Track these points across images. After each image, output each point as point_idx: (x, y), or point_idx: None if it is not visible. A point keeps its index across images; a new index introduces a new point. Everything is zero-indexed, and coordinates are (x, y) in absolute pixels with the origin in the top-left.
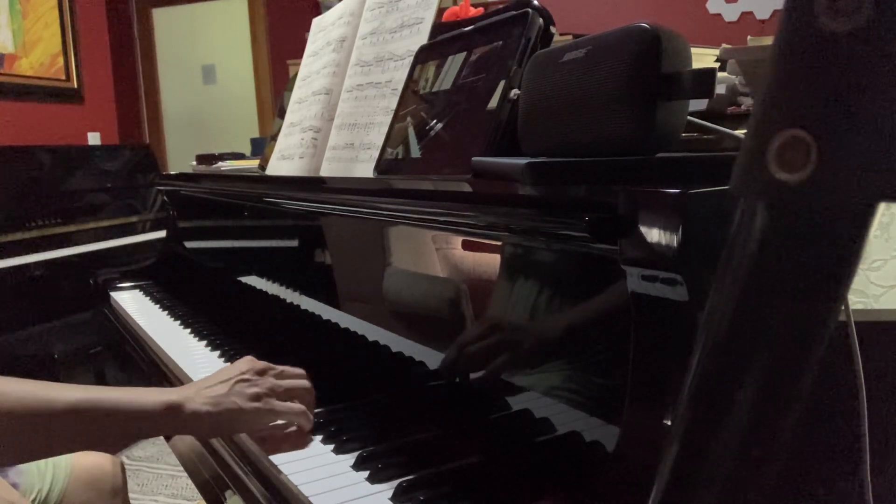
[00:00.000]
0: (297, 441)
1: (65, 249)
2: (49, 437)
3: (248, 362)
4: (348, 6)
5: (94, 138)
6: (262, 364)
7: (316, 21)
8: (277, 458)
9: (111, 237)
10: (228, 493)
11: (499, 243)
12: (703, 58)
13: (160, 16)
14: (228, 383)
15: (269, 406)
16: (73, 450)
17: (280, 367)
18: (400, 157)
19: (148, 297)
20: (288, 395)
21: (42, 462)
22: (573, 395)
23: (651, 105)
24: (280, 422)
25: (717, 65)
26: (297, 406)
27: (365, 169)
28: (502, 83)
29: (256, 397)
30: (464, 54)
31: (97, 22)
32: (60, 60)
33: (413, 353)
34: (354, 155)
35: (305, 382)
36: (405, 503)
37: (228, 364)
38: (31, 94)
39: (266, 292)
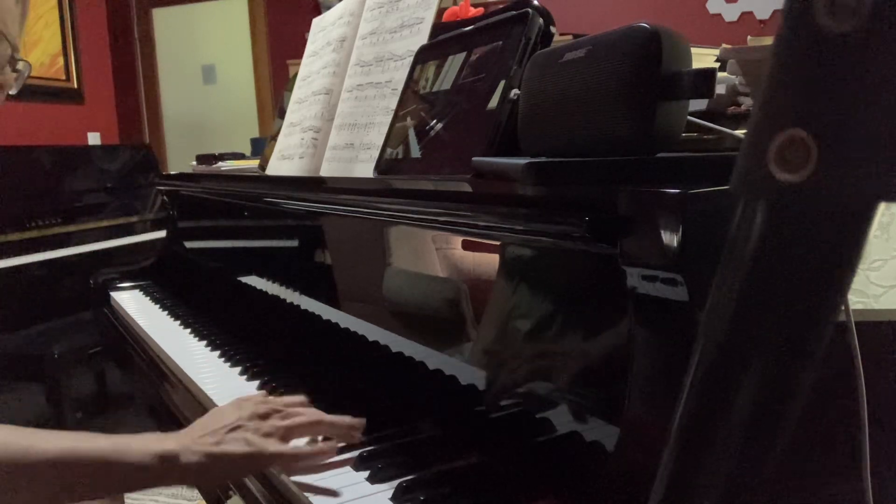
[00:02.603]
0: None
1: (65, 249)
2: (30, 491)
3: (242, 403)
4: (348, 6)
5: (94, 138)
6: (262, 406)
7: (316, 21)
8: None
9: (111, 237)
10: (229, 493)
11: (499, 243)
12: (703, 58)
13: (160, 16)
14: (220, 432)
15: (263, 450)
16: (63, 499)
17: (281, 403)
18: (400, 157)
19: (148, 297)
20: (288, 432)
21: None
22: (573, 395)
23: (651, 105)
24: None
25: (717, 65)
26: (288, 448)
27: (365, 169)
28: (502, 83)
29: (248, 443)
30: (464, 54)
31: (97, 22)
32: (60, 60)
33: (413, 354)
34: (354, 155)
35: (308, 416)
36: (405, 503)
37: (229, 402)
38: (31, 94)
39: (266, 292)
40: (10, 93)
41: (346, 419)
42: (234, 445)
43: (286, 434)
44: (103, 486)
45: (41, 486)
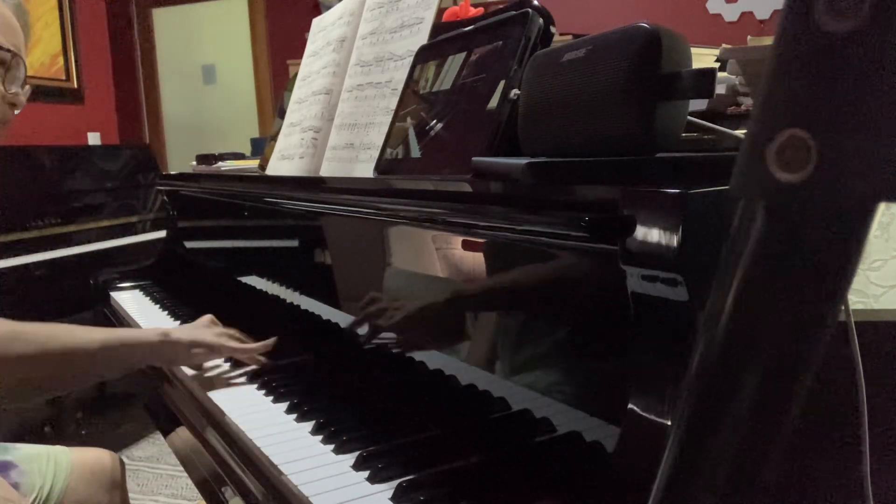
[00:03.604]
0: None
1: (65, 249)
2: (91, 365)
3: (206, 318)
4: (348, 6)
5: (94, 138)
6: (216, 323)
7: (316, 21)
8: (278, 458)
9: (111, 237)
10: (229, 494)
11: (499, 243)
12: (703, 58)
13: (160, 16)
14: (198, 325)
15: (221, 344)
16: (103, 373)
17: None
18: (400, 157)
19: (148, 297)
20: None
21: (44, 462)
22: (573, 395)
23: (651, 105)
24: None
25: (717, 65)
26: (238, 346)
27: (365, 169)
28: (502, 83)
29: (217, 336)
30: (464, 54)
31: (97, 22)
32: (60, 60)
33: (413, 354)
34: (354, 155)
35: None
36: (405, 503)
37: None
38: (31, 94)
39: (266, 292)
40: (16, 112)
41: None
42: (207, 336)
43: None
44: (130, 359)
45: (96, 363)
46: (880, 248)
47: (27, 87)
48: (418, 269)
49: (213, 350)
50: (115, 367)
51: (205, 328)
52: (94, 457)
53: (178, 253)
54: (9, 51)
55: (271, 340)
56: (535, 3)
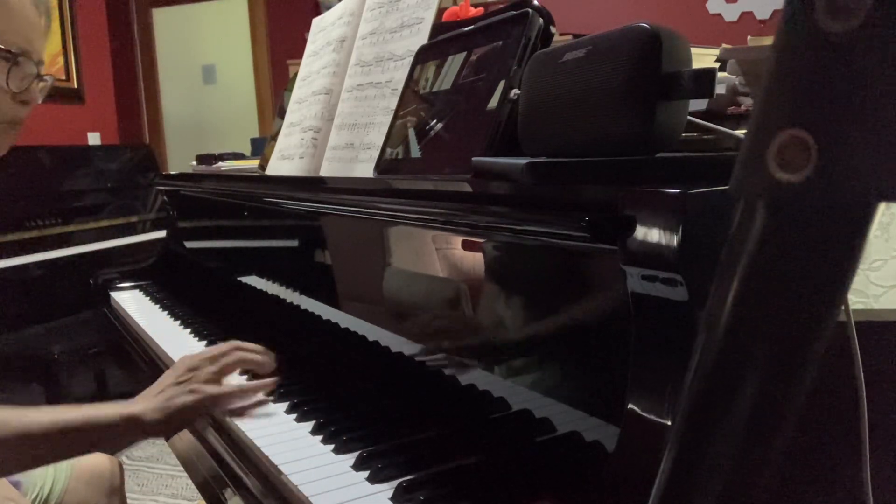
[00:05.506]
0: (254, 408)
1: (65, 249)
2: (31, 455)
3: (181, 362)
4: (348, 6)
5: (94, 138)
6: (195, 360)
7: (316, 21)
8: (277, 458)
9: (111, 237)
10: (228, 494)
11: (499, 243)
12: (703, 58)
13: (160, 16)
14: (169, 389)
15: (205, 394)
16: (50, 462)
17: (211, 352)
18: (400, 157)
19: (148, 297)
20: (221, 374)
21: None
22: (573, 395)
23: (651, 105)
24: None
25: (717, 65)
26: (224, 388)
27: (365, 169)
28: (502, 83)
29: (192, 392)
30: (464, 54)
31: (97, 22)
32: (60, 60)
33: (413, 353)
34: (354, 155)
35: (237, 355)
36: (405, 503)
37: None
38: None
39: (266, 292)
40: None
41: (258, 348)
42: (183, 397)
43: (218, 376)
44: (82, 446)
45: (37, 451)
46: (880, 248)
47: (45, 81)
48: (418, 270)
49: (195, 412)
50: (64, 453)
51: (175, 386)
52: (94, 461)
53: (178, 253)
54: (9, 51)
55: (272, 381)
56: (535, 3)
